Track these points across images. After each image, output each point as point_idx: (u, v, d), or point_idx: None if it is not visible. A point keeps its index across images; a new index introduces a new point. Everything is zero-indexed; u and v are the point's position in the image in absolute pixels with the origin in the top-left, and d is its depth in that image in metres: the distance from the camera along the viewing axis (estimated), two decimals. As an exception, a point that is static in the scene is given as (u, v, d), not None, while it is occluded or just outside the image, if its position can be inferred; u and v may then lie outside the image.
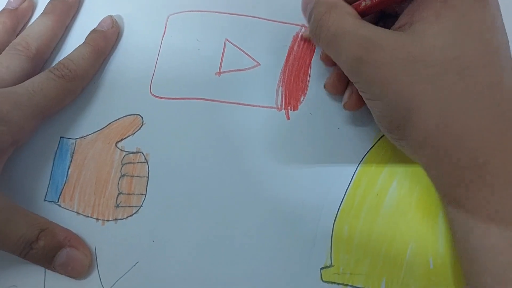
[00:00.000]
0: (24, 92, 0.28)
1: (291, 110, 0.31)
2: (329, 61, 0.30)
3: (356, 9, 0.25)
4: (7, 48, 0.31)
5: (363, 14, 0.25)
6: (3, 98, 0.27)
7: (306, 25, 0.29)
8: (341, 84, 0.29)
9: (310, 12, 0.27)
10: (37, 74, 0.30)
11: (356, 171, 0.30)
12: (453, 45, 0.21)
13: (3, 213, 0.26)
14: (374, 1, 0.25)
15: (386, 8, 0.26)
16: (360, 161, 0.30)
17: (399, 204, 0.29)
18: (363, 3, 0.25)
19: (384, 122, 0.25)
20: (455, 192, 0.23)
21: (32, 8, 0.34)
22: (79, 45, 0.32)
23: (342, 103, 0.29)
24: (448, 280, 0.28)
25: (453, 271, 0.28)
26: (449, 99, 0.21)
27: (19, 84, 0.29)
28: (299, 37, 0.33)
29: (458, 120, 0.21)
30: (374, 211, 0.29)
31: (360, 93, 0.25)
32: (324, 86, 0.30)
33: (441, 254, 0.28)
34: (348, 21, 0.24)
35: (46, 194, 0.31)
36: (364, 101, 0.26)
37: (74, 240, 0.28)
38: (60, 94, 0.30)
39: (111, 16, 0.33)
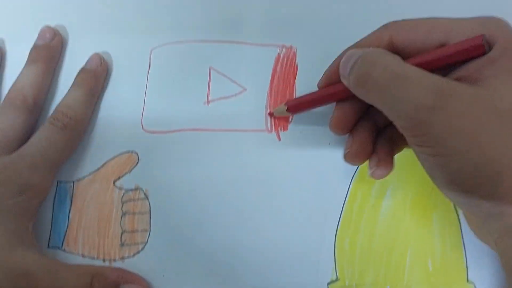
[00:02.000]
0: (36, 151, 0.29)
1: (281, 130, 0.32)
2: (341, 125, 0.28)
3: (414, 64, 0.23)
4: (3, 103, 0.31)
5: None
6: (21, 164, 0.28)
7: (344, 80, 0.26)
8: (348, 123, 0.27)
9: (356, 60, 0.24)
10: (36, 122, 0.31)
11: (351, 185, 0.31)
12: None
13: (49, 273, 0.26)
14: (438, 59, 0.23)
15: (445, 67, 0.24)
16: (353, 175, 0.31)
17: (395, 213, 0.30)
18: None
19: (461, 179, 0.21)
20: None
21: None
22: (71, 88, 0.32)
23: (371, 172, 0.27)
24: (447, 279, 0.29)
25: (451, 270, 0.29)
26: None
27: (28, 143, 0.29)
28: (283, 52, 0.33)
29: None
30: (372, 222, 0.30)
31: (419, 149, 0.23)
32: (329, 126, 0.28)
33: (438, 256, 0.30)
34: (408, 66, 0.22)
35: (49, 241, 0.31)
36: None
37: (128, 276, 0.29)
38: (68, 144, 0.30)
39: (98, 53, 0.33)
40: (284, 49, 0.34)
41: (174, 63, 0.34)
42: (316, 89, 0.29)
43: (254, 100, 0.33)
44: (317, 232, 0.30)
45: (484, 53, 0.22)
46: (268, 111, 0.32)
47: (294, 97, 0.33)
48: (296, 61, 0.33)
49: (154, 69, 0.34)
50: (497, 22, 0.23)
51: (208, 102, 0.33)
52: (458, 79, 0.22)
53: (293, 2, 0.34)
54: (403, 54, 0.24)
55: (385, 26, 0.26)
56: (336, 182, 0.31)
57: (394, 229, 0.30)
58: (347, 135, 0.28)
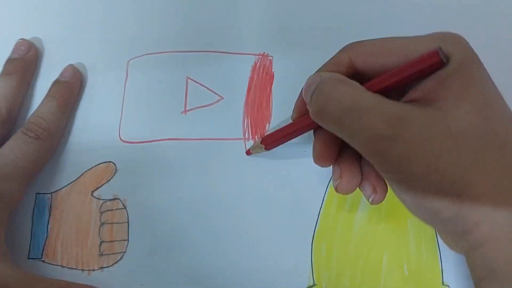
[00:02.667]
0: (9, 161, 0.29)
1: (258, 139, 0.33)
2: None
3: (375, 88, 0.23)
4: None
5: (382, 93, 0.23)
6: None
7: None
8: (331, 153, 0.27)
9: (314, 89, 0.24)
10: (9, 134, 0.31)
11: (327, 191, 0.32)
12: (487, 122, 0.21)
13: (23, 286, 0.26)
14: (394, 78, 0.23)
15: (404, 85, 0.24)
16: (329, 181, 0.32)
17: (370, 218, 0.31)
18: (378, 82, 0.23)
19: (426, 202, 0.22)
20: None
21: None
22: (44, 99, 0.32)
23: (371, 200, 0.26)
24: (423, 283, 0.30)
25: (426, 274, 0.29)
26: (496, 174, 0.21)
27: None
28: (259, 60, 0.34)
29: (509, 195, 0.21)
30: (348, 228, 0.31)
31: (385, 175, 0.23)
32: (314, 160, 0.27)
33: (413, 260, 0.30)
34: (364, 95, 0.22)
35: (29, 252, 0.31)
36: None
37: None
38: (41, 155, 0.30)
39: (72, 65, 0.34)
40: (260, 58, 0.34)
41: (151, 74, 0.34)
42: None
43: (231, 108, 0.33)
44: (294, 238, 0.31)
45: (442, 66, 0.22)
46: (245, 120, 0.33)
47: (270, 106, 0.33)
48: (272, 69, 0.34)
49: (132, 79, 0.34)
50: (453, 37, 0.23)
51: (185, 111, 0.33)
52: (413, 101, 0.22)
53: (268, 11, 0.35)
54: (364, 76, 0.25)
55: (345, 49, 0.26)
56: (312, 188, 0.32)
57: (370, 234, 0.31)
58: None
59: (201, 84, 0.34)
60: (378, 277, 0.30)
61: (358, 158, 0.27)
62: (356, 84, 0.23)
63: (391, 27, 0.33)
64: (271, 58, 0.34)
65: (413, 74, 0.22)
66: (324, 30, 0.34)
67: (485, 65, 0.22)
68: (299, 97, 0.28)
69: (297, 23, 0.34)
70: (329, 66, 0.26)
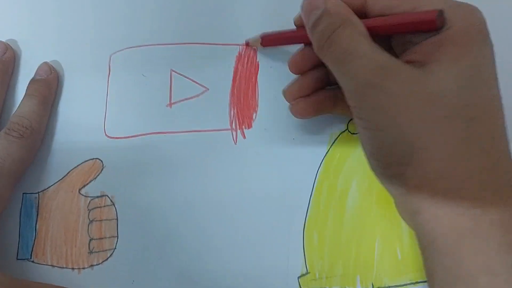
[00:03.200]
0: None
1: (245, 129, 0.32)
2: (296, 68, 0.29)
3: (367, 26, 0.24)
4: None
5: (374, 34, 0.24)
6: None
7: (307, 29, 0.26)
8: (305, 64, 0.29)
9: (317, 21, 0.24)
10: None
11: (316, 177, 0.31)
12: (466, 93, 0.21)
13: None
14: (390, 23, 0.24)
15: (399, 33, 0.25)
16: (318, 167, 0.31)
17: (361, 203, 0.31)
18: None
19: (380, 155, 0.23)
20: (446, 238, 0.22)
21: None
22: (24, 98, 0.32)
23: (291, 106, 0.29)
24: (416, 267, 0.29)
25: (419, 258, 0.29)
26: (453, 145, 0.21)
27: None
28: (243, 50, 0.33)
29: (459, 167, 0.21)
30: (339, 214, 0.31)
31: (357, 120, 0.24)
32: (289, 63, 0.29)
33: (406, 244, 0.30)
34: (362, 42, 0.23)
35: (17, 253, 0.31)
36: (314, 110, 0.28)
37: None
38: (25, 154, 0.30)
39: (46, 62, 0.33)
40: (244, 47, 0.34)
41: (134, 68, 0.33)
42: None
43: (217, 99, 0.33)
44: (285, 227, 0.30)
45: (436, 29, 0.22)
46: (231, 110, 0.32)
47: (256, 95, 0.33)
48: (257, 59, 0.33)
49: (114, 74, 0.33)
50: (466, 8, 0.23)
51: (170, 104, 0.33)
52: (410, 61, 0.23)
53: (251, 1, 0.34)
54: (372, 14, 0.25)
55: None
56: (301, 176, 0.31)
57: (361, 220, 0.30)
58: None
59: (185, 77, 0.33)
60: (371, 263, 0.30)
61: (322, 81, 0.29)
62: (357, 27, 0.24)
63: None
64: (255, 47, 0.33)
65: (408, 26, 0.23)
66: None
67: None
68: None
69: (281, 12, 0.34)
70: None
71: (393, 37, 0.26)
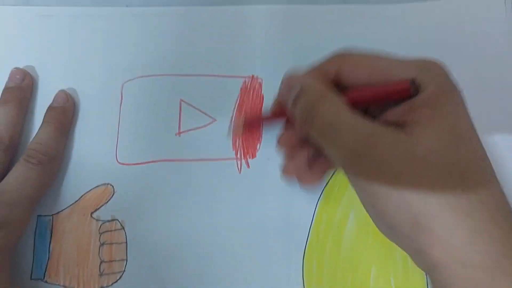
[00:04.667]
0: (13, 189, 0.30)
1: (250, 158, 0.34)
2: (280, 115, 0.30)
3: (348, 99, 0.25)
4: None
5: (352, 103, 0.25)
6: None
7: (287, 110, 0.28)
8: (295, 140, 0.30)
9: (296, 99, 0.26)
10: (11, 162, 0.32)
11: (316, 207, 0.33)
12: (450, 150, 0.22)
13: None
14: (368, 96, 0.25)
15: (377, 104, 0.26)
16: (319, 198, 0.33)
17: (359, 233, 0.32)
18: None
19: (387, 220, 0.24)
20: None
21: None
22: (42, 125, 0.33)
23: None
24: (409, 296, 0.31)
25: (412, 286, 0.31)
26: (451, 200, 0.22)
27: (3, 182, 0.30)
28: (249, 83, 0.35)
29: (465, 223, 0.22)
30: (337, 243, 0.32)
31: (354, 188, 0.25)
32: (277, 143, 0.31)
33: (400, 274, 0.31)
34: (343, 113, 0.24)
35: (32, 273, 0.32)
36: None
37: None
38: (43, 180, 0.32)
39: (63, 90, 0.35)
40: (250, 80, 0.35)
41: (145, 96, 0.35)
42: None
43: (223, 130, 0.34)
44: (286, 255, 0.32)
45: (411, 96, 0.23)
46: (237, 140, 0.34)
47: (261, 128, 0.34)
48: (262, 91, 0.35)
49: (126, 102, 0.35)
50: (433, 66, 0.24)
51: (179, 133, 0.34)
52: (389, 122, 0.24)
53: (258, 36, 0.36)
54: (346, 84, 0.26)
55: (334, 58, 0.27)
56: (302, 206, 0.33)
57: (358, 249, 0.32)
58: None
59: (194, 107, 0.35)
60: (366, 290, 0.31)
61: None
62: (336, 100, 0.25)
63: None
64: (260, 80, 0.35)
65: (385, 96, 0.25)
66: (314, 52, 0.35)
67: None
68: (278, 93, 0.29)
69: (286, 46, 0.36)
70: (315, 72, 0.27)
71: None
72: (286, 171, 0.31)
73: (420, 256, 0.23)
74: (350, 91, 0.26)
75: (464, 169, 0.22)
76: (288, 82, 0.27)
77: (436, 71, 0.24)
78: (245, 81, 0.35)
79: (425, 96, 0.23)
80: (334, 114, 0.24)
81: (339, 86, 0.26)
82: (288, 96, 0.27)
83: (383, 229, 0.25)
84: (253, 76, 0.35)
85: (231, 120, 0.34)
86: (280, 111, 0.29)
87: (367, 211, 0.25)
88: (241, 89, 0.35)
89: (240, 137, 0.34)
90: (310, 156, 0.29)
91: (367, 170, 0.23)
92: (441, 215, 0.22)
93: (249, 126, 0.33)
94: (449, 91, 0.24)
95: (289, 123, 0.30)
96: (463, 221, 0.22)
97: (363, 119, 0.24)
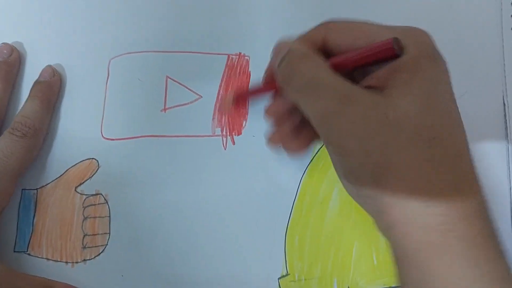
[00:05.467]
0: None
1: (235, 135, 0.34)
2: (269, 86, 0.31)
3: (332, 63, 0.25)
4: None
5: (337, 68, 0.25)
6: None
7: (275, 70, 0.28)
8: (283, 109, 0.30)
9: (282, 58, 0.26)
10: None
11: (300, 184, 0.33)
12: (424, 115, 0.22)
13: (4, 281, 0.28)
14: (352, 59, 0.25)
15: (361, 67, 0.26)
16: (303, 174, 0.33)
17: (342, 209, 0.32)
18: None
19: (351, 177, 0.25)
20: (417, 252, 0.23)
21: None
22: (27, 99, 0.34)
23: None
24: (390, 272, 0.31)
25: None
26: (418, 165, 0.22)
27: None
28: (236, 60, 0.35)
29: (425, 186, 0.22)
30: (320, 219, 0.32)
31: (326, 146, 0.26)
32: (265, 112, 0.31)
33: (382, 250, 0.31)
34: (324, 72, 0.24)
35: (15, 245, 0.32)
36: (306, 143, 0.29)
37: None
38: (28, 152, 0.32)
39: (50, 65, 0.35)
40: (236, 57, 0.35)
41: (132, 73, 0.35)
42: None
43: (209, 107, 0.35)
44: (268, 229, 0.32)
45: (395, 55, 0.23)
46: (223, 117, 0.34)
47: (246, 104, 0.34)
48: (249, 68, 0.35)
49: (113, 78, 0.35)
50: (416, 32, 0.24)
51: (165, 109, 0.35)
52: (369, 86, 0.24)
53: (246, 12, 0.36)
54: (333, 51, 0.27)
55: (320, 27, 0.28)
56: (286, 182, 0.33)
57: (340, 226, 0.32)
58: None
59: (180, 83, 0.35)
60: (348, 266, 0.31)
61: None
62: (319, 60, 0.25)
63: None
64: (247, 57, 0.35)
65: (367, 57, 0.25)
66: (302, 30, 0.35)
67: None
68: (270, 61, 0.30)
69: (275, 24, 0.36)
70: (302, 40, 0.28)
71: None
72: (272, 138, 0.31)
73: (380, 217, 0.24)
74: (335, 57, 0.26)
75: (435, 134, 0.22)
76: (277, 48, 0.28)
77: (421, 38, 0.24)
78: (232, 58, 0.35)
79: (406, 60, 0.23)
80: (314, 72, 0.24)
81: (327, 54, 0.27)
82: (276, 59, 0.27)
83: (349, 189, 0.26)
84: (240, 53, 0.35)
85: (217, 96, 0.34)
86: (270, 82, 0.30)
87: (336, 170, 0.26)
88: (227, 66, 0.35)
89: (228, 112, 0.34)
90: (297, 124, 0.29)
91: (338, 128, 0.23)
92: (402, 175, 0.22)
93: (238, 100, 0.33)
94: (432, 58, 0.24)
95: (277, 93, 0.30)
96: (423, 184, 0.22)
97: (342, 80, 0.24)
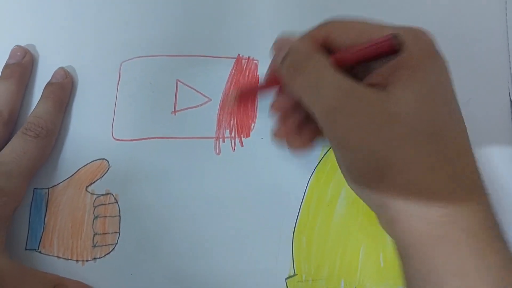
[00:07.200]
0: (11, 160, 0.31)
1: (244, 137, 0.35)
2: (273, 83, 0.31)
3: (334, 59, 0.26)
4: None
5: (338, 64, 0.26)
6: None
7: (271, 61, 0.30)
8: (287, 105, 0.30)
9: (285, 57, 0.27)
10: (10, 135, 0.33)
11: (308, 186, 0.33)
12: (424, 110, 0.23)
13: (16, 277, 0.29)
14: (353, 55, 0.26)
15: (362, 62, 0.27)
16: (310, 176, 0.33)
17: (349, 211, 0.33)
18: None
19: (354, 172, 0.25)
20: (420, 245, 0.23)
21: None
22: (40, 100, 0.34)
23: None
24: (397, 274, 0.31)
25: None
26: (419, 159, 0.23)
27: (2, 153, 0.31)
28: (245, 64, 0.36)
29: (427, 179, 0.23)
30: (327, 220, 0.33)
31: (329, 142, 0.26)
32: (271, 108, 0.31)
33: (388, 252, 0.32)
34: (327, 69, 0.25)
35: (26, 243, 0.33)
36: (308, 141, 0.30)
37: None
38: (40, 152, 0.32)
39: (62, 67, 0.36)
40: (245, 61, 0.36)
41: (142, 76, 0.36)
42: None
43: (218, 109, 0.35)
44: (276, 230, 0.32)
45: (394, 51, 0.24)
46: (231, 120, 0.35)
47: (255, 107, 0.35)
48: (258, 72, 0.36)
49: (124, 80, 0.36)
50: (417, 31, 0.25)
51: (175, 112, 0.35)
52: (371, 84, 0.25)
53: (255, 17, 0.36)
54: (336, 48, 0.27)
55: (324, 24, 0.28)
56: (294, 183, 0.33)
57: (347, 227, 0.32)
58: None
59: (190, 87, 0.36)
60: (355, 267, 0.32)
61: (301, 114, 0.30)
62: (322, 58, 0.26)
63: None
64: (256, 61, 0.36)
65: (367, 52, 0.25)
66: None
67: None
68: (271, 61, 0.30)
69: (282, 28, 0.36)
70: (305, 38, 0.28)
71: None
72: (276, 134, 0.31)
73: (382, 211, 0.24)
74: (337, 53, 0.27)
75: (436, 129, 0.23)
76: (278, 45, 0.29)
77: (422, 36, 0.25)
78: (241, 62, 0.36)
79: (407, 57, 0.24)
80: (318, 71, 0.25)
81: (328, 52, 0.27)
82: (278, 56, 0.28)
83: (352, 184, 0.26)
84: (249, 57, 0.36)
85: (223, 96, 0.35)
86: (273, 79, 0.30)
87: (339, 166, 0.26)
88: (236, 69, 0.36)
89: (231, 109, 0.34)
90: (301, 121, 0.30)
91: (342, 124, 0.24)
92: (404, 170, 0.23)
93: (241, 97, 0.34)
94: (432, 55, 0.24)
95: (282, 90, 0.30)
96: (424, 178, 0.23)
97: (345, 77, 0.25)
